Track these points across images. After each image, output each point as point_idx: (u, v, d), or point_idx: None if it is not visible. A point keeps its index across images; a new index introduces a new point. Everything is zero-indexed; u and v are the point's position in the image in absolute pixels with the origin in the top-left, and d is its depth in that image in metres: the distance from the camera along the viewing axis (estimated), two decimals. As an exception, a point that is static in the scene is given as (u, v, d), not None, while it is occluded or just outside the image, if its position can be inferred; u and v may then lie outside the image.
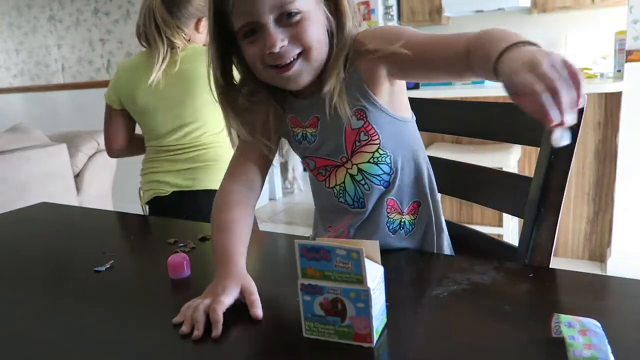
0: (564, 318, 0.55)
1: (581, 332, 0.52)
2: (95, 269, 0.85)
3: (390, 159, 0.84)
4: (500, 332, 0.58)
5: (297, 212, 3.97)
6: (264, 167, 0.90)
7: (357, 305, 0.56)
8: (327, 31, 0.80)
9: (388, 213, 0.86)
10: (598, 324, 0.54)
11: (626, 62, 2.27)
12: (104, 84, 4.10)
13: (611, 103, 2.40)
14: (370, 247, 0.59)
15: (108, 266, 0.86)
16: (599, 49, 4.29)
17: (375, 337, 0.57)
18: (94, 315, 0.70)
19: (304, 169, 1.04)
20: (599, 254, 2.58)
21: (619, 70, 2.43)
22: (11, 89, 4.77)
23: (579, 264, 2.59)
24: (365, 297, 0.55)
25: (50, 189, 2.45)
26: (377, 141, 0.83)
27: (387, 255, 0.70)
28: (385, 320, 0.60)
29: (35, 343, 0.63)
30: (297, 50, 0.76)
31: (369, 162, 0.84)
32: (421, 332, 0.60)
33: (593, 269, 2.53)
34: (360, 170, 0.85)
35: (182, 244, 0.95)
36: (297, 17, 0.75)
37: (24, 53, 4.57)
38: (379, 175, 0.85)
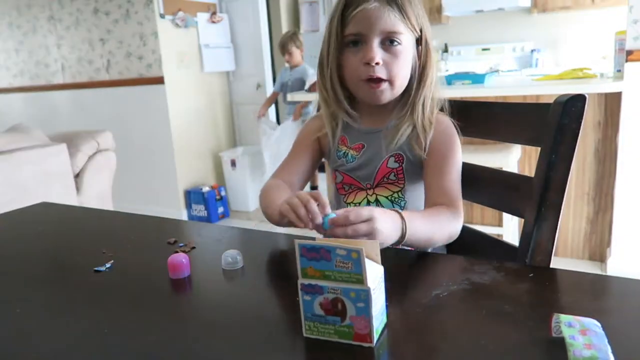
0: (564, 318, 0.55)
1: (581, 332, 0.52)
2: (95, 269, 0.85)
3: (404, 204, 1.00)
4: (500, 332, 0.58)
5: (297, 212, 3.96)
6: (311, 168, 1.10)
7: (357, 305, 0.56)
8: (412, 71, 0.96)
9: None
10: (598, 324, 0.54)
11: (626, 62, 2.27)
12: (103, 84, 4.11)
13: (611, 103, 2.40)
14: (370, 247, 0.59)
15: (108, 266, 0.86)
16: (599, 49, 4.29)
17: (375, 337, 0.57)
18: (94, 315, 0.70)
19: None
20: (599, 254, 2.58)
21: (619, 70, 2.43)
22: (11, 89, 4.77)
23: (579, 264, 2.59)
24: (365, 297, 0.55)
25: (50, 189, 2.45)
26: (402, 186, 0.99)
27: (387, 255, 0.70)
28: (385, 320, 0.60)
29: (35, 343, 0.63)
30: (384, 76, 0.92)
31: (387, 198, 1.00)
32: (421, 332, 0.60)
33: (593, 269, 2.52)
34: (377, 201, 1.01)
35: (182, 244, 0.95)
36: (397, 47, 0.92)
37: (24, 53, 4.57)
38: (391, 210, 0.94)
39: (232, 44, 4.37)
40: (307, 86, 3.27)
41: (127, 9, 3.83)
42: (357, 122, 1.02)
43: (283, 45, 3.64)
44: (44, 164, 2.48)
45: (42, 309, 0.73)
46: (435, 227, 0.88)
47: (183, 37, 3.94)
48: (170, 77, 3.83)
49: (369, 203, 1.01)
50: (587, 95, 0.81)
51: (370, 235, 0.71)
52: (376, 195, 1.00)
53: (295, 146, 1.10)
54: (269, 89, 4.35)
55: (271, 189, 1.00)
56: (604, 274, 2.39)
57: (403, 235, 0.79)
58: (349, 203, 1.03)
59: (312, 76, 3.50)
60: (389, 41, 0.90)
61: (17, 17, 4.47)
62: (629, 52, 2.27)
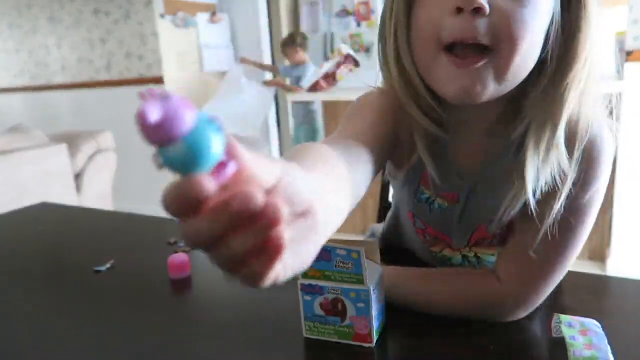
0: (564, 318, 0.55)
1: (581, 332, 0.52)
2: (95, 269, 0.85)
3: None
4: (500, 332, 0.58)
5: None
6: (373, 167, 0.54)
7: (357, 305, 0.56)
8: (547, 46, 0.50)
9: None
10: (598, 324, 0.54)
11: (626, 62, 2.27)
12: (104, 84, 4.11)
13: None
14: (370, 247, 0.59)
15: (108, 266, 0.86)
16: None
17: (375, 337, 0.57)
18: (93, 315, 0.70)
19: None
20: (599, 254, 2.58)
21: (618, 71, 2.43)
22: (11, 89, 4.77)
23: (579, 264, 2.59)
24: (365, 297, 0.55)
25: (50, 189, 2.45)
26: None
27: (386, 256, 0.70)
28: (384, 320, 0.60)
29: (35, 343, 0.63)
30: (487, 40, 0.47)
31: (490, 254, 0.68)
32: (420, 331, 0.60)
33: (593, 269, 2.52)
34: (477, 256, 0.69)
35: (182, 244, 0.95)
36: None
37: (24, 53, 4.56)
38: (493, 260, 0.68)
39: (232, 44, 4.36)
40: (306, 85, 3.26)
41: (127, 9, 3.83)
42: (446, 147, 0.60)
43: (282, 50, 3.65)
44: (44, 164, 2.48)
45: (42, 309, 0.73)
46: (444, 284, 0.62)
47: (183, 37, 3.93)
48: (170, 77, 3.83)
49: (465, 258, 0.69)
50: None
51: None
52: (475, 252, 0.68)
53: (355, 117, 0.62)
54: (269, 89, 4.34)
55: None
56: (604, 274, 2.39)
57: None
58: (436, 253, 0.71)
59: (310, 76, 3.49)
60: None
61: (17, 17, 4.47)
62: (629, 52, 2.27)
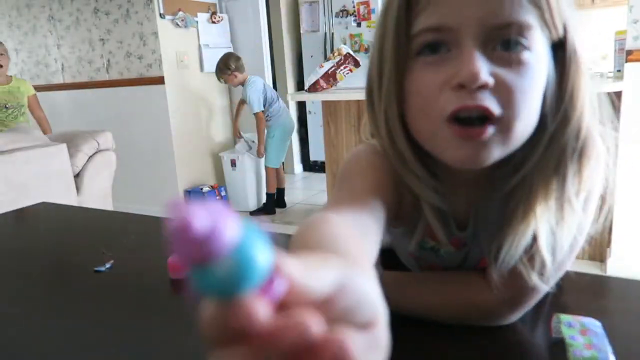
0: (564, 318, 0.55)
1: (581, 332, 0.52)
2: (95, 269, 0.85)
3: None
4: (500, 332, 0.58)
5: (297, 212, 3.97)
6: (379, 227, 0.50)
7: None
8: (544, 102, 0.49)
9: None
10: (598, 324, 0.54)
11: (626, 62, 2.27)
12: (103, 83, 4.11)
13: (611, 103, 2.40)
14: None
15: (108, 266, 0.86)
16: (599, 49, 4.29)
17: None
18: (93, 315, 0.70)
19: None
20: (599, 254, 2.58)
21: (618, 70, 2.43)
22: (11, 89, 4.77)
23: (579, 264, 2.59)
24: None
25: (50, 189, 2.45)
26: None
27: (385, 256, 0.70)
28: None
29: (35, 343, 0.63)
30: (496, 111, 0.46)
31: None
32: (419, 332, 0.60)
33: (593, 269, 2.52)
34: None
35: (182, 244, 0.94)
36: (523, 55, 0.46)
37: (23, 53, 4.56)
38: None
39: (232, 44, 4.36)
40: (306, 86, 3.24)
41: (127, 9, 3.83)
42: (442, 201, 0.56)
43: (219, 78, 3.67)
44: (44, 164, 2.48)
45: (42, 308, 0.73)
46: (435, 291, 0.62)
47: (183, 37, 3.93)
48: (170, 77, 3.83)
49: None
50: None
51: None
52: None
53: (355, 179, 0.57)
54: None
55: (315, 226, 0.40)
56: (604, 274, 2.39)
57: None
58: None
59: (251, 99, 3.52)
60: (502, 44, 0.46)
61: (17, 17, 4.47)
62: (629, 52, 2.27)
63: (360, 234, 0.40)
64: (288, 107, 4.46)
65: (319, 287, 0.19)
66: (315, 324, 0.18)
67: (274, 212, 3.82)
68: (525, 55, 0.46)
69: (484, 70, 0.45)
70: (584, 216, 0.53)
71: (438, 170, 0.56)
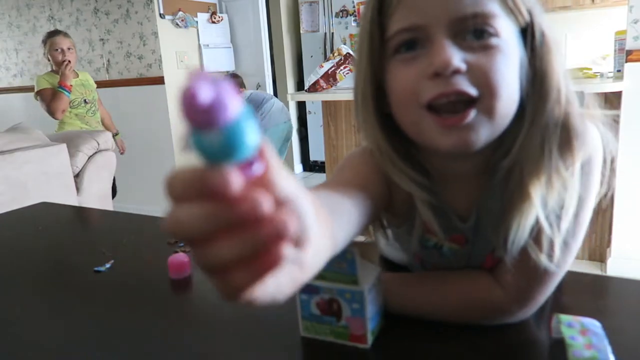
0: (564, 318, 0.55)
1: (581, 332, 0.52)
2: (95, 269, 0.85)
3: None
4: (500, 332, 0.58)
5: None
6: (361, 218, 0.51)
7: (352, 306, 0.56)
8: (519, 84, 0.52)
9: None
10: (598, 324, 0.54)
11: (626, 62, 2.27)
12: (103, 83, 4.11)
13: (611, 103, 2.40)
14: (368, 248, 0.59)
15: (108, 266, 0.86)
16: (599, 49, 4.29)
17: (371, 339, 0.57)
18: (94, 315, 0.70)
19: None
20: (599, 254, 2.58)
21: (619, 70, 2.43)
22: (11, 89, 4.77)
23: (579, 264, 2.59)
24: (360, 298, 0.55)
25: (50, 189, 2.45)
26: None
27: (385, 256, 0.70)
28: (381, 321, 0.60)
29: (35, 343, 0.63)
30: (472, 92, 0.49)
31: None
32: (418, 333, 0.60)
33: (593, 269, 2.52)
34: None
35: (182, 244, 0.95)
36: (492, 41, 0.49)
37: (23, 53, 4.56)
38: None
39: (232, 44, 4.36)
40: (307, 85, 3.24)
41: (127, 9, 3.83)
42: (434, 197, 0.58)
43: None
44: (44, 164, 2.48)
45: (42, 308, 0.73)
46: (442, 290, 0.62)
47: (183, 37, 3.93)
48: (170, 77, 3.83)
49: None
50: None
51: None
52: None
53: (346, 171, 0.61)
54: (269, 89, 4.34)
55: None
56: (604, 274, 2.39)
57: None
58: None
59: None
60: (473, 33, 0.49)
61: (17, 17, 4.47)
62: (629, 52, 2.27)
63: (330, 211, 0.40)
64: (288, 107, 4.47)
65: (283, 186, 0.23)
66: (269, 204, 0.21)
67: None
68: (494, 41, 0.49)
69: (456, 57, 0.48)
70: (585, 182, 0.55)
71: (429, 167, 0.58)
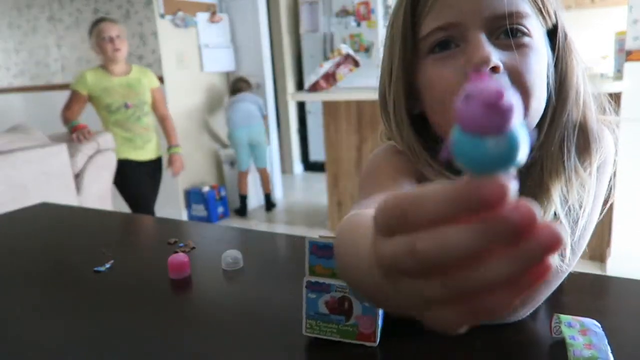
0: (564, 318, 0.55)
1: (581, 332, 0.52)
2: (95, 269, 0.85)
3: None
4: (500, 332, 0.58)
5: (297, 212, 3.97)
6: None
7: (364, 304, 0.56)
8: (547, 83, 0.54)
9: None
10: (598, 324, 0.54)
11: (626, 62, 2.27)
12: (104, 84, 4.10)
13: (610, 103, 2.40)
14: None
15: (108, 266, 0.86)
16: (599, 49, 4.29)
17: (378, 337, 0.57)
18: (93, 315, 0.70)
19: None
20: (599, 254, 2.58)
21: (618, 70, 2.43)
22: (11, 89, 4.77)
23: (578, 264, 2.58)
24: None
25: (50, 189, 2.45)
26: None
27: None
28: (382, 319, 0.60)
29: (35, 343, 0.63)
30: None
31: None
32: (420, 332, 0.60)
33: (593, 269, 2.52)
34: None
35: (182, 244, 0.95)
36: (525, 40, 0.51)
37: (24, 53, 4.57)
38: None
39: (232, 44, 4.36)
40: (307, 86, 3.25)
41: (127, 9, 3.83)
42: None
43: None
44: (44, 164, 2.48)
45: (41, 308, 0.73)
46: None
47: (183, 37, 3.93)
48: (170, 77, 3.83)
49: None
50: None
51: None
52: None
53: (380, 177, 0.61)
54: (269, 89, 4.34)
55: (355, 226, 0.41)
56: (604, 274, 2.39)
57: None
58: None
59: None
60: (504, 33, 0.50)
61: (17, 17, 4.47)
62: (629, 52, 2.27)
63: None
64: (287, 107, 4.46)
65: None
66: (538, 212, 0.19)
67: (244, 215, 3.84)
68: (527, 40, 0.51)
69: (494, 54, 0.49)
70: (598, 184, 0.56)
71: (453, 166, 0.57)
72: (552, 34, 0.54)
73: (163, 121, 2.80)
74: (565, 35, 0.55)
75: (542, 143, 0.54)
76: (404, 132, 0.57)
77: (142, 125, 2.67)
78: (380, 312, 0.57)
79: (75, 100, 2.62)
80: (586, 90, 0.55)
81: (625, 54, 2.28)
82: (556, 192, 0.54)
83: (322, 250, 0.56)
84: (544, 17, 0.53)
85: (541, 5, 0.52)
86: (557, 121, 0.54)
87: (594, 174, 0.55)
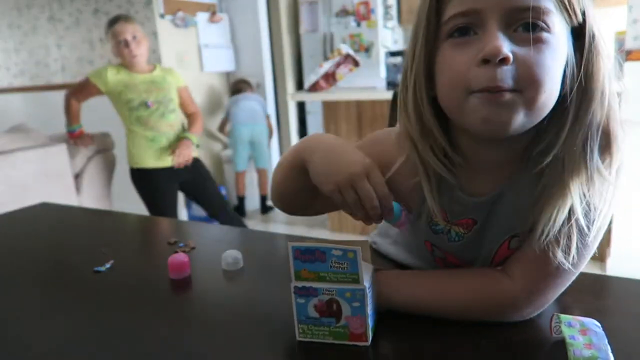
0: (564, 318, 0.55)
1: (581, 332, 0.53)
2: (95, 269, 0.85)
3: None
4: (500, 332, 0.58)
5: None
6: None
7: (352, 304, 0.56)
8: (565, 84, 0.54)
9: None
10: (598, 324, 0.54)
11: (626, 61, 2.27)
12: (104, 84, 4.10)
13: (611, 103, 2.40)
14: (361, 247, 0.59)
15: (108, 266, 0.86)
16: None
17: (370, 336, 0.57)
18: (93, 315, 0.70)
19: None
20: (599, 253, 2.58)
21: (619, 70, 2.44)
22: (11, 89, 4.77)
23: (579, 264, 2.59)
24: (361, 296, 0.56)
25: (50, 189, 2.45)
26: None
27: (378, 254, 0.70)
28: (376, 319, 0.60)
29: (35, 343, 0.63)
30: (511, 84, 0.51)
31: None
32: (416, 331, 0.60)
33: (593, 269, 2.52)
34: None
35: (182, 244, 0.95)
36: (542, 35, 0.51)
37: (24, 53, 4.57)
38: None
39: (232, 44, 4.36)
40: (307, 86, 3.25)
41: (127, 9, 3.83)
42: (456, 179, 0.61)
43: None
44: (44, 164, 2.48)
45: (41, 308, 0.73)
46: (440, 284, 0.63)
47: (183, 37, 3.93)
48: (170, 77, 3.83)
49: None
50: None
51: None
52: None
53: None
54: (269, 89, 4.35)
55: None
56: (604, 274, 2.39)
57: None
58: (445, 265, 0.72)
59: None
60: (523, 26, 0.51)
61: (17, 17, 4.47)
62: (629, 52, 2.27)
63: None
64: (287, 107, 4.46)
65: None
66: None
67: (243, 215, 3.83)
68: (544, 35, 0.51)
69: (505, 46, 0.50)
70: (615, 186, 0.58)
71: (466, 150, 0.61)
72: (580, 32, 0.54)
73: (193, 118, 2.66)
74: (594, 36, 0.54)
75: (565, 141, 0.55)
76: (423, 110, 0.58)
77: (168, 122, 2.47)
78: (370, 312, 0.57)
79: (86, 89, 2.52)
80: (612, 91, 0.56)
81: (625, 54, 2.28)
82: (576, 190, 0.55)
83: (306, 254, 0.56)
84: (569, 15, 0.53)
85: (566, 3, 0.52)
86: (580, 121, 0.54)
87: (613, 175, 0.57)
